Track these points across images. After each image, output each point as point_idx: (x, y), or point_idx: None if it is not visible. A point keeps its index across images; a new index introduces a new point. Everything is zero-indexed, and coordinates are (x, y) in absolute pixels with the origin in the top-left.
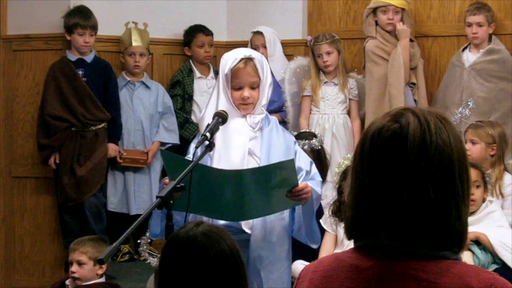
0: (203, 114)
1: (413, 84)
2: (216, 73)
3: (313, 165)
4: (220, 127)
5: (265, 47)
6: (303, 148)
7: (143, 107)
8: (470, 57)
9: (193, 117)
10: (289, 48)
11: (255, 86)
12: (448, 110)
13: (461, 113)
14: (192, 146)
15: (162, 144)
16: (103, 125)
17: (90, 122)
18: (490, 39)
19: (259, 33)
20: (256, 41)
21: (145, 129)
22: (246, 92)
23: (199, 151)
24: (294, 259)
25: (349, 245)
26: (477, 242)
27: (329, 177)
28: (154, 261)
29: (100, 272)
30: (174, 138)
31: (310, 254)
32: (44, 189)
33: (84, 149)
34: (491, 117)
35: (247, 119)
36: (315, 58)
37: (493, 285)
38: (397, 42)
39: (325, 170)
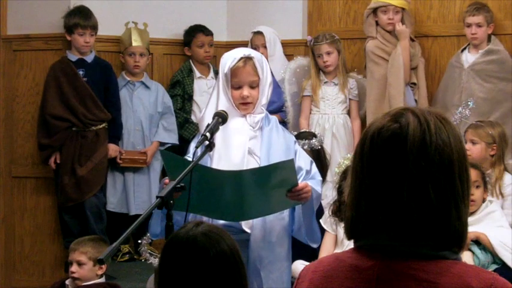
0: (203, 114)
1: (414, 84)
2: (216, 73)
3: (314, 164)
4: (220, 127)
5: (265, 47)
6: (302, 148)
7: (143, 107)
8: (469, 57)
9: (193, 117)
10: (289, 48)
11: (254, 85)
12: (449, 111)
13: (461, 113)
14: (192, 145)
15: (162, 144)
16: (104, 125)
17: (91, 122)
18: (489, 40)
19: (260, 33)
20: (257, 41)
21: (145, 129)
22: (246, 91)
23: (199, 151)
24: (294, 259)
25: (349, 245)
26: (477, 242)
27: (329, 177)
28: (154, 261)
29: (100, 272)
30: (173, 138)
31: (310, 254)
32: (44, 189)
33: (85, 149)
34: (490, 117)
35: (247, 119)
36: (315, 58)
37: (493, 285)
38: (398, 42)
39: (325, 170)
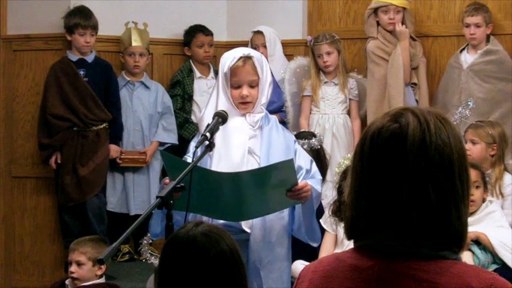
0: (203, 114)
1: (415, 84)
2: (216, 73)
3: (314, 163)
4: (220, 127)
5: (265, 46)
6: (302, 148)
7: (142, 107)
8: (468, 58)
9: (193, 117)
10: (289, 48)
11: (254, 85)
12: (449, 112)
13: (461, 113)
14: (192, 145)
15: (161, 144)
16: (104, 125)
17: (92, 122)
18: (487, 40)
19: (260, 32)
20: (257, 41)
21: (145, 129)
22: (245, 91)
23: (198, 151)
24: (293, 259)
25: (349, 245)
26: (477, 242)
27: (329, 177)
28: (155, 261)
29: (99, 272)
30: (172, 138)
31: (310, 254)
32: (44, 189)
33: (86, 149)
34: (490, 117)
35: (247, 118)
36: (315, 58)
37: (493, 285)
38: (398, 42)
39: (324, 170)
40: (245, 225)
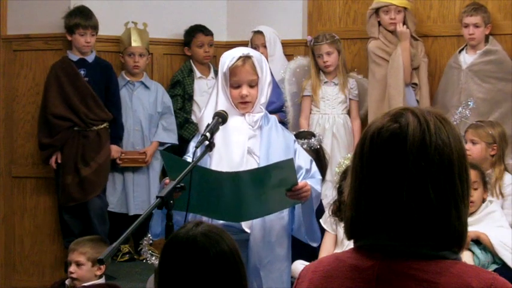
0: (202, 114)
1: (416, 84)
2: (216, 73)
3: (313, 163)
4: (220, 126)
5: (265, 46)
6: (301, 147)
7: (142, 107)
8: (467, 58)
9: (193, 117)
10: (289, 48)
11: (253, 84)
12: (448, 112)
13: (461, 113)
14: (192, 145)
15: (161, 144)
16: (105, 125)
17: (93, 122)
18: (486, 40)
19: (260, 32)
20: (257, 41)
21: (145, 129)
22: (245, 90)
23: (198, 151)
24: (293, 259)
25: (349, 245)
26: (477, 242)
27: (328, 177)
28: (155, 261)
29: (99, 272)
30: (172, 138)
31: (310, 254)
32: (44, 189)
33: (88, 149)
34: (490, 118)
35: (246, 118)
36: (315, 58)
37: (493, 285)
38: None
39: (324, 169)
40: (245, 225)
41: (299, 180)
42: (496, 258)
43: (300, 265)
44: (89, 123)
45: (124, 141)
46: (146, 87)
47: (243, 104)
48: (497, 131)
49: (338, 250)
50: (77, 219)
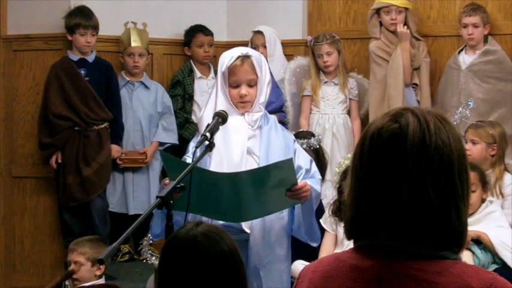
0: (202, 114)
1: (416, 85)
2: (216, 73)
3: (313, 163)
4: (220, 126)
5: (265, 46)
6: (301, 147)
7: (142, 107)
8: (466, 59)
9: (193, 117)
10: (289, 48)
11: (252, 84)
12: (448, 112)
13: (462, 113)
14: (192, 145)
15: (161, 144)
16: (105, 124)
17: (94, 122)
18: (485, 41)
19: (260, 32)
20: (257, 40)
21: (144, 129)
22: (244, 90)
23: (198, 151)
24: (293, 259)
25: (349, 245)
26: (477, 241)
27: (328, 176)
28: (155, 261)
29: (98, 272)
30: (172, 138)
31: (310, 254)
32: (44, 189)
33: (89, 149)
34: (490, 118)
35: (246, 117)
36: (315, 58)
37: (492, 285)
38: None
39: (323, 169)
40: (245, 225)
41: (299, 180)
42: (496, 258)
43: (300, 265)
44: (89, 123)
45: (124, 141)
46: (146, 87)
47: (242, 104)
48: (497, 131)
49: (338, 250)
50: (78, 219)
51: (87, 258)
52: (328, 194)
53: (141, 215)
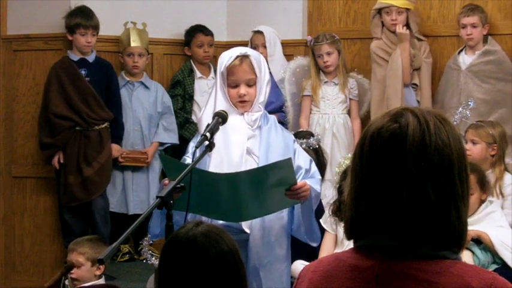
0: (202, 114)
1: (416, 85)
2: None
3: (313, 163)
4: (220, 126)
5: (265, 46)
6: (300, 146)
7: (142, 108)
8: (466, 59)
9: (193, 117)
10: (289, 48)
11: (251, 84)
12: (448, 113)
13: (462, 113)
14: (191, 145)
15: (162, 144)
16: (106, 124)
17: (94, 122)
18: (485, 41)
19: (260, 32)
20: (256, 40)
21: (144, 129)
22: (243, 90)
23: (198, 151)
24: (293, 259)
25: (349, 245)
26: (477, 241)
27: (328, 176)
28: (155, 262)
29: (98, 272)
30: (173, 138)
31: (310, 254)
32: (44, 189)
33: (90, 148)
34: (490, 118)
35: (245, 117)
36: (315, 58)
37: (492, 285)
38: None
39: (323, 169)
40: (244, 225)
41: (298, 180)
42: (496, 258)
43: (299, 265)
44: (90, 123)
45: (123, 141)
46: (146, 87)
47: (242, 103)
48: (497, 130)
49: (338, 250)
50: (79, 219)
51: (87, 258)
52: (328, 194)
53: (140, 215)
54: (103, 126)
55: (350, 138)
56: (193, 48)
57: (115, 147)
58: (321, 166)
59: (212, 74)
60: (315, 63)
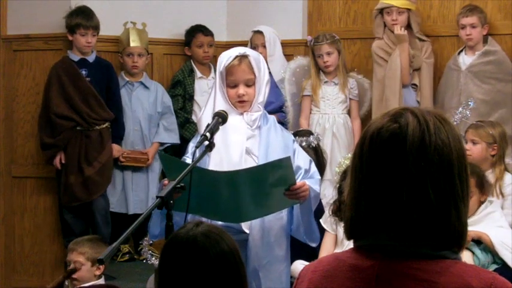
0: (201, 115)
1: (416, 85)
2: None
3: (313, 163)
4: (220, 126)
5: (264, 46)
6: (300, 145)
7: (142, 108)
8: (466, 59)
9: (194, 117)
10: (289, 48)
11: (250, 84)
12: (448, 113)
13: (462, 113)
14: (191, 145)
15: (162, 144)
16: (106, 124)
17: (95, 122)
18: (485, 41)
19: (259, 32)
20: (256, 40)
21: (144, 129)
22: (241, 90)
23: (198, 151)
24: (293, 259)
25: (349, 245)
26: (477, 242)
27: (327, 176)
28: (155, 262)
29: (98, 272)
30: (173, 138)
31: (310, 254)
32: (44, 189)
33: (90, 148)
34: (490, 119)
35: (244, 117)
36: (315, 58)
37: (492, 285)
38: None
39: (322, 168)
40: (244, 225)
41: (298, 180)
42: (496, 258)
43: (299, 265)
44: (91, 123)
45: (123, 141)
46: (146, 87)
47: (241, 103)
48: (497, 130)
49: (338, 250)
50: (79, 219)
51: (87, 258)
52: (328, 194)
53: (140, 214)
54: (104, 126)
55: (350, 138)
56: (193, 48)
57: (115, 147)
58: (321, 165)
59: (212, 74)
60: (315, 63)
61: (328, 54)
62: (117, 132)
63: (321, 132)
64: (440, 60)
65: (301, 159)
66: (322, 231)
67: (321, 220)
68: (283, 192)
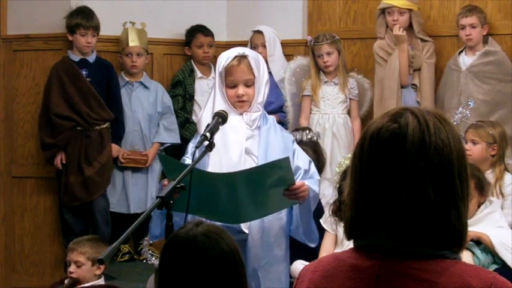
0: (201, 115)
1: (415, 85)
2: None
3: (312, 164)
4: (220, 126)
5: (264, 46)
6: (300, 140)
7: (142, 108)
8: (466, 60)
9: (194, 117)
10: (289, 48)
11: (249, 84)
12: (448, 113)
13: (462, 113)
14: (191, 145)
15: (162, 144)
16: (107, 124)
17: (95, 122)
18: (485, 41)
19: (259, 32)
20: (256, 40)
21: (144, 129)
22: (241, 90)
23: (198, 152)
24: (293, 259)
25: (349, 245)
26: (477, 242)
27: (327, 175)
28: (155, 262)
29: (98, 272)
30: (174, 138)
31: (310, 254)
32: (44, 189)
33: (91, 148)
34: (490, 119)
35: (244, 117)
36: (315, 58)
37: (492, 285)
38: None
39: (321, 166)
40: (243, 226)
41: (297, 181)
42: (496, 258)
43: (299, 265)
44: (91, 123)
45: (123, 141)
46: (145, 87)
47: (240, 103)
48: (497, 130)
49: (338, 250)
50: (79, 219)
51: (87, 257)
52: (328, 194)
53: (140, 214)
54: (104, 126)
55: (350, 138)
56: (193, 48)
57: (114, 147)
58: (320, 163)
59: (213, 74)
60: (315, 63)
61: (328, 54)
62: (117, 133)
63: (321, 132)
64: (440, 60)
65: (301, 160)
66: (322, 231)
67: (321, 220)
68: (282, 192)
